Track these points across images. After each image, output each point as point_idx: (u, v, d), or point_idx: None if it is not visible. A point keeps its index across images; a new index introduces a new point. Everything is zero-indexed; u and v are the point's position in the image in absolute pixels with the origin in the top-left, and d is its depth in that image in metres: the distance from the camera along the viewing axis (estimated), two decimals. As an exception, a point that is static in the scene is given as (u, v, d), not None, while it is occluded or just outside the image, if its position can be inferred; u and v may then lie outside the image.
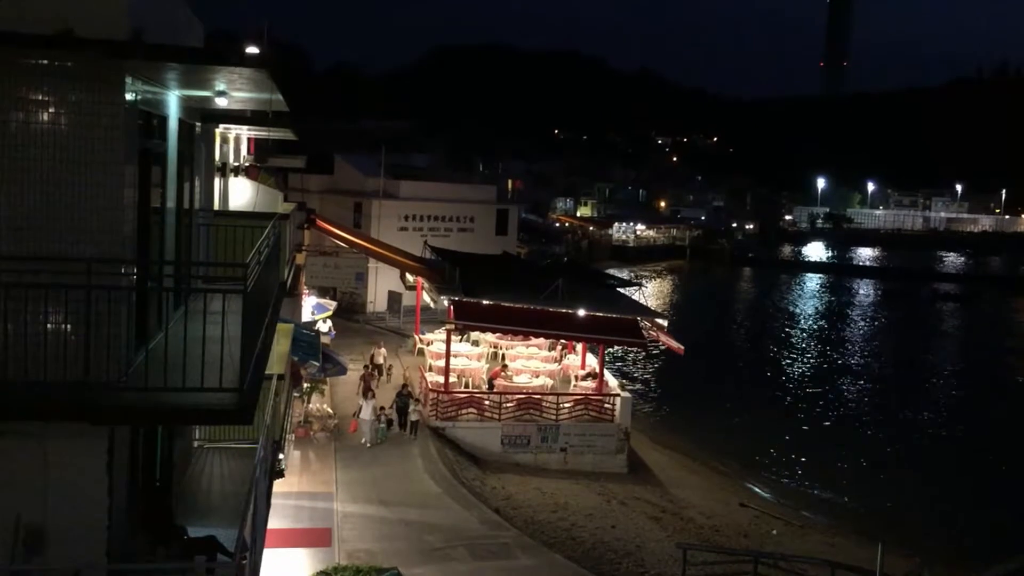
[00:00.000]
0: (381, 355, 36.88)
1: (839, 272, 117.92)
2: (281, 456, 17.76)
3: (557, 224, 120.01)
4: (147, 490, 10.78)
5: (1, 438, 8.06)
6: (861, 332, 71.93)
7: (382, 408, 29.85)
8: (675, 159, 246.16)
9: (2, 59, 7.82)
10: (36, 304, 7.86)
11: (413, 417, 29.79)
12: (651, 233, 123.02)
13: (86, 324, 7.86)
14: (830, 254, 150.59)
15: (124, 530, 9.16)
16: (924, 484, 33.77)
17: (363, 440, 28.63)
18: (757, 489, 32.48)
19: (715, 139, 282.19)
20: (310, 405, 30.12)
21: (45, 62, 7.95)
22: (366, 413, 28.85)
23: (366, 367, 34.36)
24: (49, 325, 7.99)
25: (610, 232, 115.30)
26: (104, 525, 8.38)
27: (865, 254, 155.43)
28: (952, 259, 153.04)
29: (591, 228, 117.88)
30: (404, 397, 30.47)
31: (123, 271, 8.41)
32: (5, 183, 7.97)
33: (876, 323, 77.45)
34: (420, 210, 54.42)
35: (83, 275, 7.71)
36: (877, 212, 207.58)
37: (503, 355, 36.91)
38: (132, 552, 9.28)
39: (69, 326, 8.01)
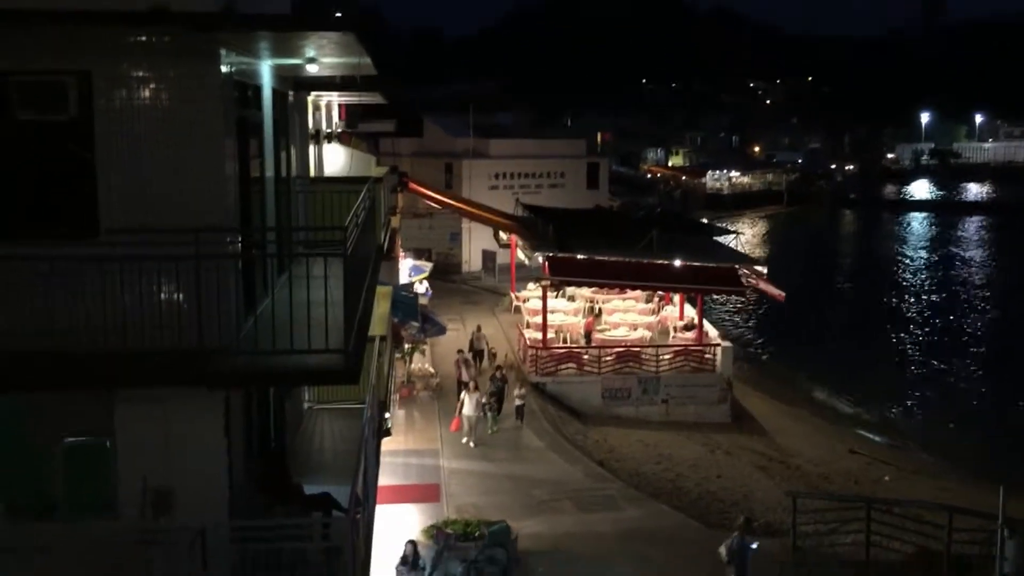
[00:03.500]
0: (483, 340, 32.84)
1: (946, 209, 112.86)
2: (387, 415, 18.18)
3: (649, 175, 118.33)
4: (263, 450, 11.16)
5: (125, 405, 8.46)
6: (972, 271, 69.01)
7: (492, 395, 27.06)
8: (768, 102, 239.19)
9: (103, 38, 8.07)
10: (149, 275, 8.17)
11: (518, 402, 27.28)
12: (746, 179, 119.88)
13: (197, 292, 8.13)
14: (936, 191, 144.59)
15: (244, 489, 9.52)
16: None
17: (464, 440, 25.63)
18: (867, 435, 31.73)
19: (809, 79, 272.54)
20: (412, 365, 30.66)
21: (143, 39, 8.17)
22: (468, 408, 25.64)
23: (460, 352, 30.67)
24: (163, 295, 8.32)
25: (703, 180, 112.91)
26: (225, 485, 8.73)
27: (974, 190, 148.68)
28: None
29: (684, 177, 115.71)
30: (498, 381, 27.74)
31: (228, 240, 8.65)
32: (114, 159, 8.27)
33: (988, 261, 74.11)
34: (510, 168, 54.36)
35: (191, 245, 7.96)
36: (986, 145, 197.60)
37: (600, 309, 36.78)
38: (253, 510, 9.64)
39: (181, 295, 8.31)
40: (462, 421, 25.78)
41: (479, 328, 33.59)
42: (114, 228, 8.19)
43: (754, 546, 17.58)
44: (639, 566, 19.06)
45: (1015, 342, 45.45)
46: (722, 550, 17.28)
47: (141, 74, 8.25)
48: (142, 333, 8.16)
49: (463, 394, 26.12)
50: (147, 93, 8.28)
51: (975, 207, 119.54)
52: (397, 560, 17.01)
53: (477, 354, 31.94)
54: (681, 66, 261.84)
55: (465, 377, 28.45)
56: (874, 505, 19.78)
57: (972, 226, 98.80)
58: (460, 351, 30.61)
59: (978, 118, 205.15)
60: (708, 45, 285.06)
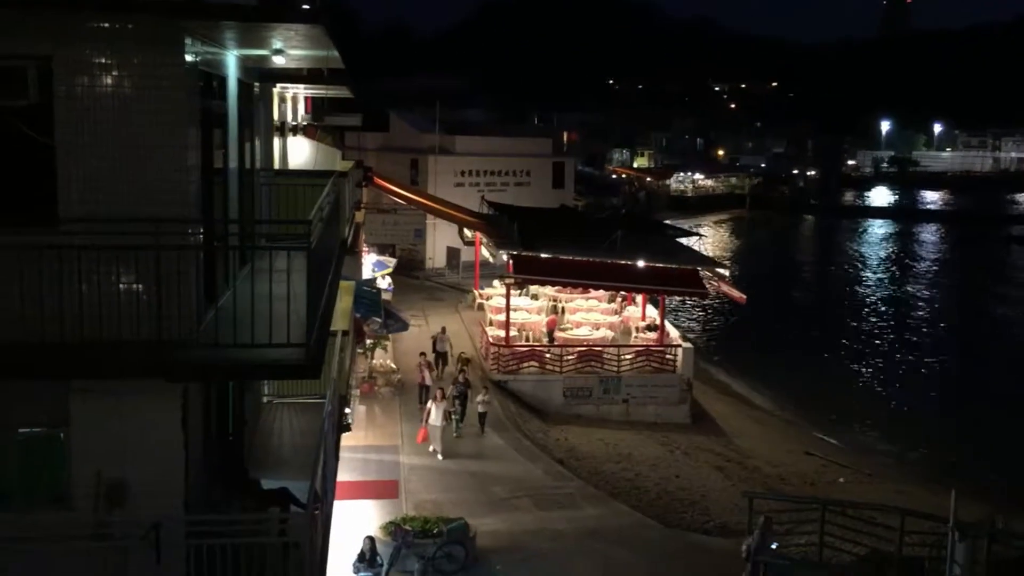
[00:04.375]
0: (447, 342, 31.90)
1: (905, 217, 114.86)
2: (347, 410, 18.10)
3: (614, 176, 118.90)
4: (221, 444, 11.05)
5: (81, 395, 8.33)
6: (929, 278, 70.24)
7: (455, 398, 26.27)
8: (733, 106, 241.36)
9: (65, 23, 7.94)
10: (108, 265, 8.06)
11: (481, 409, 26.38)
12: (710, 183, 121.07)
13: (157, 283, 8.04)
14: (895, 199, 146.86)
15: (201, 483, 9.42)
16: (995, 432, 33.06)
17: (431, 449, 24.56)
18: (823, 438, 32.15)
19: (774, 84, 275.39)
20: (373, 361, 30.53)
21: (107, 25, 8.05)
22: (435, 418, 24.55)
23: (423, 355, 29.25)
24: (122, 285, 8.20)
25: (668, 182, 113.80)
26: (181, 478, 8.63)
27: (932, 198, 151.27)
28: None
29: (648, 179, 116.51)
30: (460, 385, 26.83)
31: (190, 231, 8.55)
32: (75, 147, 8.14)
33: (945, 269, 75.47)
34: (476, 165, 54.27)
35: (152, 236, 7.87)
36: (944, 154, 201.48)
37: (563, 308, 36.89)
38: (209, 504, 9.54)
39: (140, 286, 8.20)
40: (428, 431, 24.70)
41: (443, 330, 32.54)
42: (73, 216, 8.06)
43: (774, 546, 17.74)
44: (597, 564, 19.16)
45: (969, 347, 46.35)
46: (743, 548, 17.46)
47: (103, 61, 8.10)
48: (100, 323, 8.04)
49: (429, 403, 25.02)
50: (109, 80, 8.14)
51: (932, 215, 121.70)
52: (355, 556, 16.95)
53: (440, 356, 31.08)
54: (648, 67, 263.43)
55: (428, 381, 27.78)
56: (828, 507, 20.04)
57: (928, 233, 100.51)
58: (423, 354, 29.33)
59: (937, 128, 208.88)
60: (676, 47, 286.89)
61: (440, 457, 24.39)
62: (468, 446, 25.72)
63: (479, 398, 26.65)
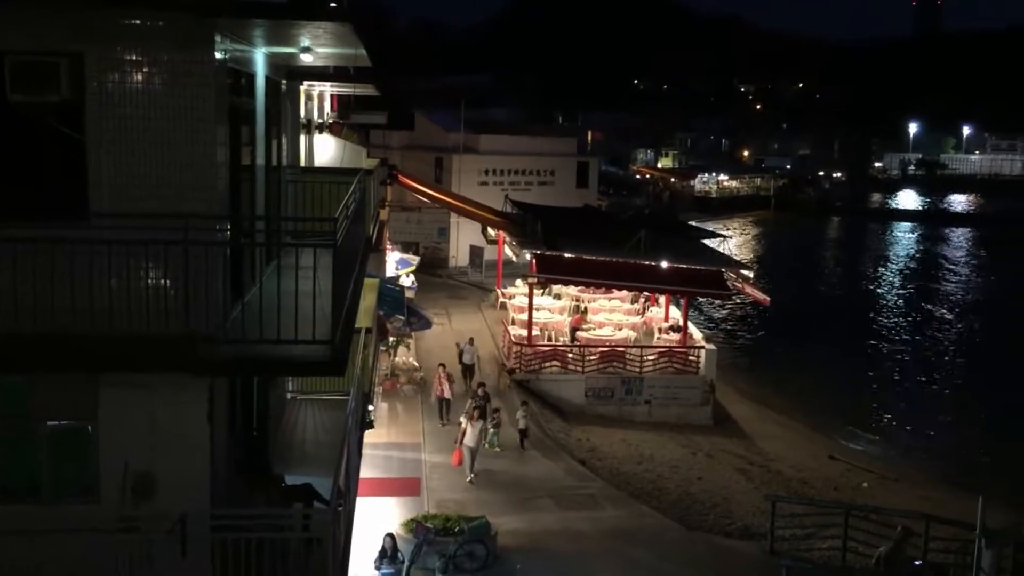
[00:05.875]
0: (475, 354, 30.27)
1: (932, 220, 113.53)
2: (370, 408, 18.16)
3: (638, 176, 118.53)
4: (246, 439, 11.13)
5: (109, 389, 8.42)
6: (956, 282, 69.43)
7: (475, 408, 23.64)
8: (759, 107, 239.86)
9: (98, 21, 8.02)
10: (137, 260, 8.13)
11: (521, 424, 25.23)
12: (734, 184, 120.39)
13: (185, 279, 8.10)
14: (923, 202, 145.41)
15: (225, 477, 9.48)
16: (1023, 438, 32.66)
17: (468, 477, 22.69)
18: (847, 442, 31.89)
19: (800, 85, 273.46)
20: (396, 358, 30.60)
21: (138, 23, 8.12)
22: (471, 439, 22.70)
23: (442, 366, 27.42)
24: (150, 280, 8.27)
25: (692, 183, 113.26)
26: (207, 472, 8.71)
27: (960, 201, 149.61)
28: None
29: (672, 179, 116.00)
30: (480, 399, 24.71)
31: (217, 227, 8.61)
32: (105, 143, 8.22)
33: (973, 273, 74.55)
34: (500, 164, 54.29)
35: (180, 231, 7.92)
36: (973, 157, 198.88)
37: (585, 308, 36.83)
38: (233, 499, 9.60)
39: (169, 281, 8.26)
40: (463, 453, 22.88)
41: (471, 340, 30.72)
42: (103, 212, 8.15)
43: (918, 563, 17.65)
44: (619, 565, 19.12)
45: (997, 351, 45.76)
46: (875, 556, 17.49)
47: (134, 58, 8.19)
48: (128, 318, 8.11)
49: (464, 422, 23.14)
50: (140, 77, 8.22)
51: (960, 218, 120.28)
52: (376, 553, 17.02)
53: (467, 368, 29.64)
54: (674, 67, 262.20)
55: (447, 394, 26.46)
56: (852, 511, 19.93)
57: (957, 237, 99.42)
58: (442, 365, 27.58)
59: (966, 130, 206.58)
60: (702, 47, 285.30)
61: (473, 477, 22.65)
62: (506, 459, 24.63)
63: (518, 414, 25.62)
